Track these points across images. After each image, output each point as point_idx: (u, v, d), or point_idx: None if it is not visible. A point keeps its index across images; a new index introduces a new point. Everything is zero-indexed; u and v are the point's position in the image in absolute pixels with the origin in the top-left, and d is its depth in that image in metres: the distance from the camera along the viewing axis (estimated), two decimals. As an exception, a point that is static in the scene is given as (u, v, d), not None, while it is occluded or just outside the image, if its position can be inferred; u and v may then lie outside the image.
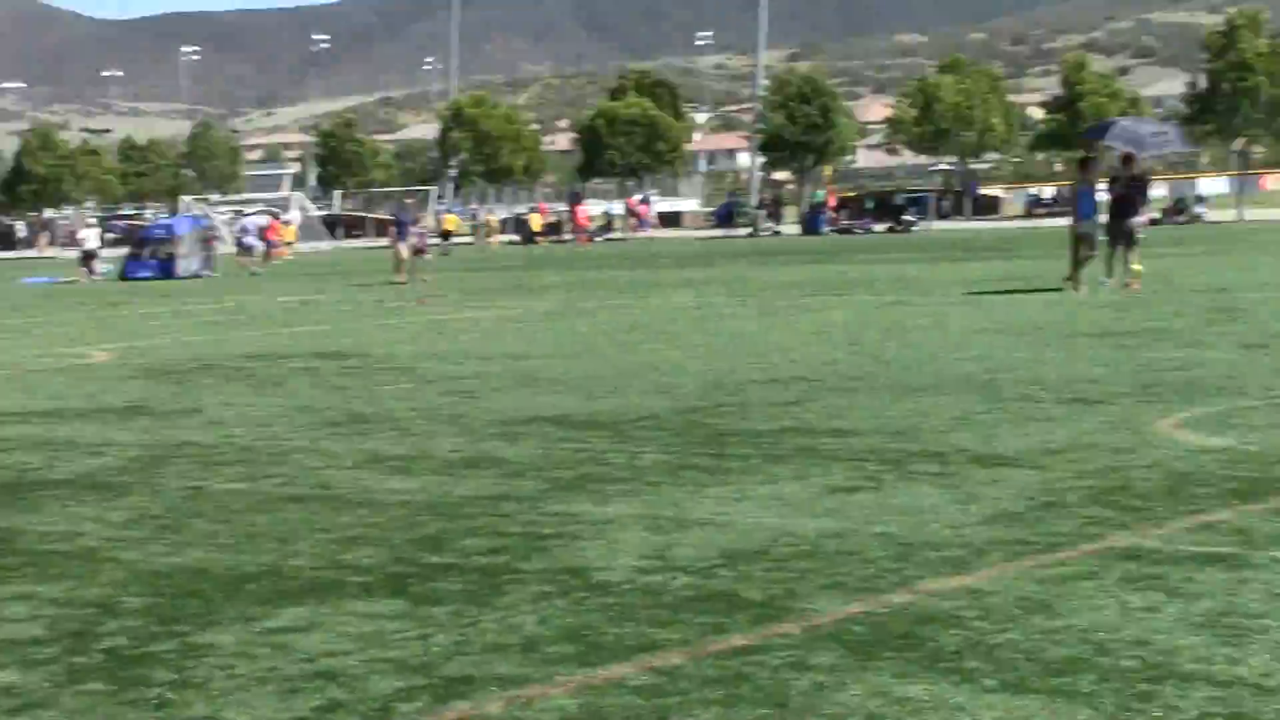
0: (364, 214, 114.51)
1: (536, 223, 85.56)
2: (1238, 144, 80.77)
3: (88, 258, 59.06)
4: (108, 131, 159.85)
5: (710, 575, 8.10)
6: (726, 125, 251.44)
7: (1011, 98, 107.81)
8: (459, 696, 6.31)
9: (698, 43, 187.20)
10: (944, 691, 6.06)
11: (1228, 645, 6.43)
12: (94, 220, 78.07)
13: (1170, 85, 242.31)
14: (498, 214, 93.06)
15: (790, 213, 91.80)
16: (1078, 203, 29.51)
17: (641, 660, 6.67)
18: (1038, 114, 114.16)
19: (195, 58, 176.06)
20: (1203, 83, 77.71)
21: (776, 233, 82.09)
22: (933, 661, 6.44)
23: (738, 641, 6.88)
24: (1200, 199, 76.93)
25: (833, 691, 6.14)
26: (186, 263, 55.92)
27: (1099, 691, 5.95)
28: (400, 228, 45.19)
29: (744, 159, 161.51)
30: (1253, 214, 72.97)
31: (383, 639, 7.20)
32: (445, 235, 76.03)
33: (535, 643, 7.02)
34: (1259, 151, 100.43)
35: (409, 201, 52.11)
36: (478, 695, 6.32)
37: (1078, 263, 28.26)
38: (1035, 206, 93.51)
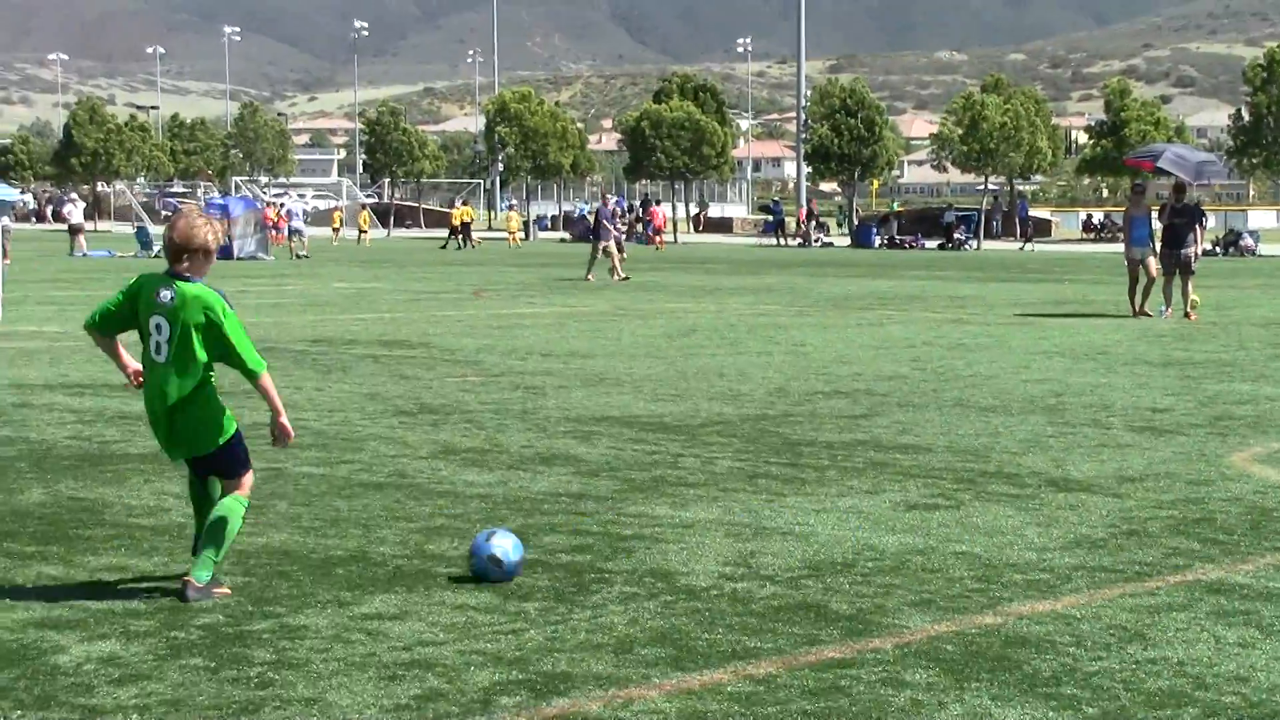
0: (414, 204, 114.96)
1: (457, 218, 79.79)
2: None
3: (74, 232, 62.59)
4: (155, 108, 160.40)
5: (797, 585, 8.13)
6: (769, 133, 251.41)
7: (1056, 120, 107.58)
8: (557, 693, 6.36)
9: (737, 49, 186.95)
10: (1045, 717, 6.08)
11: (1329, 686, 6.44)
12: (75, 196, 79.41)
13: (1211, 116, 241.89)
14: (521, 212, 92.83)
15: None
16: (1130, 230, 29.42)
17: (736, 667, 6.71)
18: (1082, 138, 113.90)
19: (236, 38, 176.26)
20: (1246, 114, 77.40)
21: (828, 244, 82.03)
22: (1030, 686, 6.46)
23: (831, 654, 6.92)
24: (1253, 232, 76.64)
25: (931, 710, 6.17)
26: (243, 244, 56.15)
27: (1203, 725, 5.96)
28: (599, 225, 42.27)
29: (790, 168, 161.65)
30: (1305, 249, 72.67)
31: (475, 631, 7.25)
32: (464, 229, 74.97)
33: (628, 644, 7.06)
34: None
35: (609, 197, 48.14)
36: (576, 693, 6.36)
37: (1143, 289, 28.25)
38: (1087, 230, 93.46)
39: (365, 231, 77.28)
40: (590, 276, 40.46)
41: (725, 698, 6.31)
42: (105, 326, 8.05)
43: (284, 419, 8.26)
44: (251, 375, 8.13)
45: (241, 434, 8.36)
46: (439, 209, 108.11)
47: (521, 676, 6.57)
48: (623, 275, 40.74)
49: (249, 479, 8.30)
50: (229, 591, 7.95)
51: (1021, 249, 75.38)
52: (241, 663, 6.74)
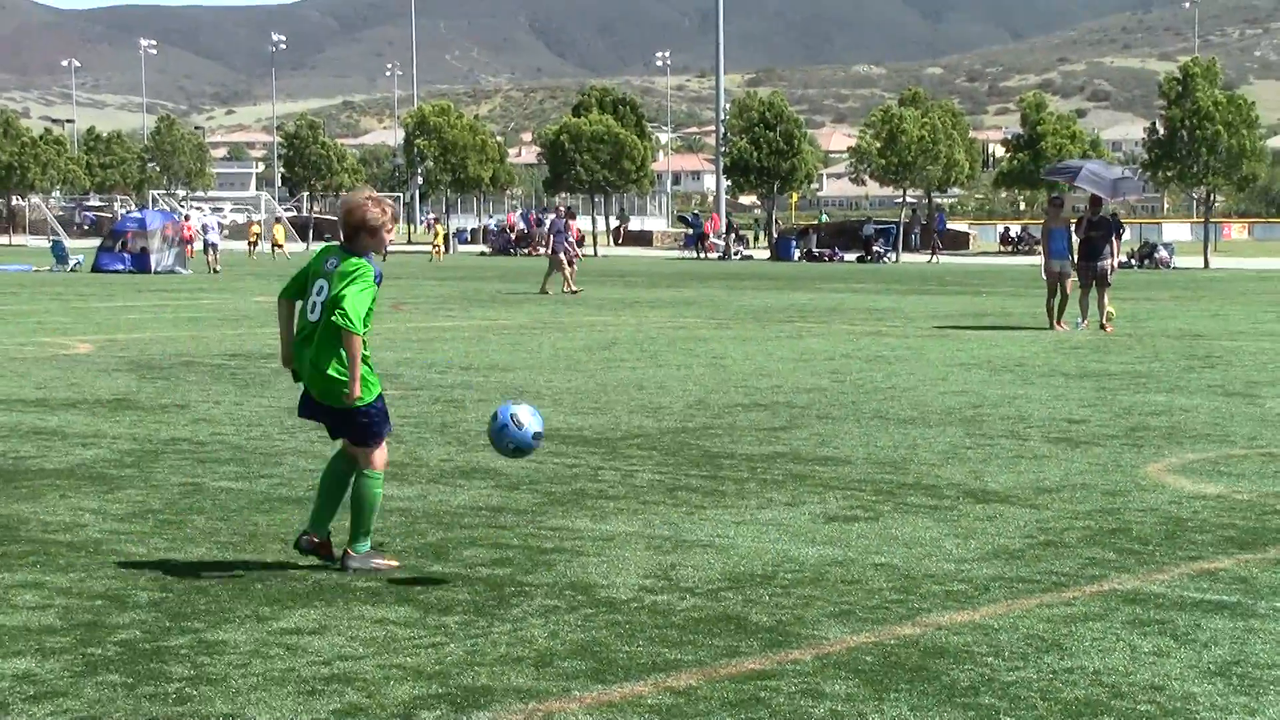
0: (334, 217, 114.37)
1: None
2: (1199, 192, 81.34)
3: None
4: (70, 121, 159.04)
5: (717, 598, 8.15)
6: (689, 147, 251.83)
7: (973, 134, 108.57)
8: (478, 707, 6.35)
9: (656, 63, 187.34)
10: (963, 725, 6.12)
11: (1243, 695, 6.51)
12: None
13: (1126, 130, 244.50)
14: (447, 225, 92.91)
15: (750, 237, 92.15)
16: (1049, 243, 29.69)
17: (656, 680, 6.72)
18: (999, 151, 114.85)
19: (153, 51, 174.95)
20: (1161, 129, 78.24)
21: (748, 256, 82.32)
22: (949, 696, 6.50)
23: (751, 665, 6.94)
24: (1168, 245, 77.51)
25: (851, 720, 6.19)
26: (160, 257, 55.73)
27: (1119, 733, 6.02)
28: (556, 236, 41.93)
29: (709, 181, 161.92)
30: (1218, 261, 73.58)
31: (395, 645, 7.23)
32: None
33: (548, 657, 7.06)
34: (1220, 200, 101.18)
35: (562, 209, 47.13)
36: (496, 706, 6.35)
37: (1060, 303, 28.52)
38: (1005, 242, 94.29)
39: (280, 245, 76.59)
40: (549, 290, 40.51)
41: (646, 710, 6.31)
42: (289, 291, 8.96)
43: (354, 388, 8.63)
44: (344, 331, 8.57)
45: (381, 408, 8.83)
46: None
47: (441, 690, 6.55)
48: (574, 288, 40.69)
49: (379, 455, 8.88)
50: (395, 563, 8.75)
51: (929, 261, 75.96)
52: (159, 678, 6.69)
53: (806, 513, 10.49)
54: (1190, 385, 18.77)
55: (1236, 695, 6.50)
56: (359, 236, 8.77)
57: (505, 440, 8.67)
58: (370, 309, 8.65)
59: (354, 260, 8.67)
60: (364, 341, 8.62)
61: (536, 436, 8.70)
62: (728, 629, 7.54)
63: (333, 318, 8.54)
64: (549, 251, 42.23)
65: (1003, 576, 8.65)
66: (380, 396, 8.83)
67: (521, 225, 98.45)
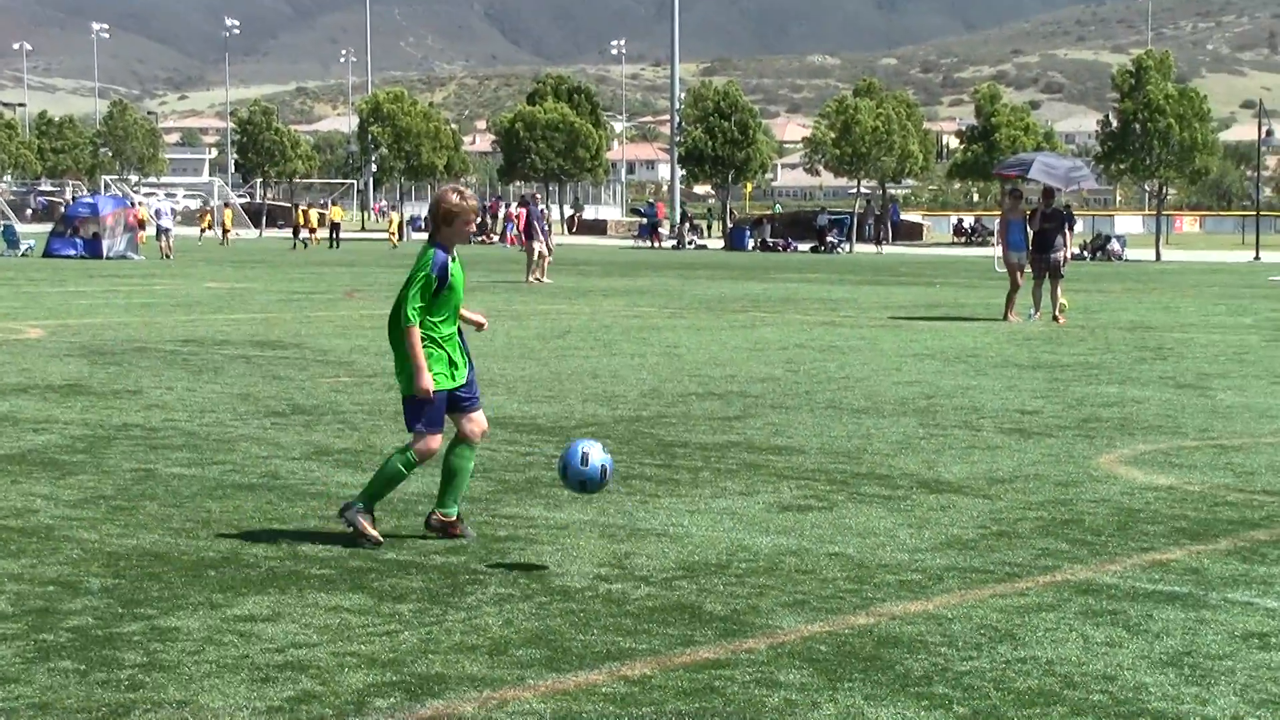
0: (287, 203, 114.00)
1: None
2: (1151, 184, 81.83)
3: None
4: (21, 105, 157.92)
5: (671, 587, 8.16)
6: (643, 136, 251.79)
7: (927, 125, 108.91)
8: (432, 695, 6.33)
9: (611, 51, 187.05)
10: (916, 716, 6.14)
11: (1194, 685, 6.55)
12: None
13: (1079, 122, 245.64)
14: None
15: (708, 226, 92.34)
16: (1007, 234, 29.82)
17: (610, 668, 6.72)
18: (953, 142, 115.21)
19: (105, 35, 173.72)
20: (1114, 122, 78.64)
21: (702, 246, 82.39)
22: (902, 685, 6.52)
23: (705, 654, 6.94)
24: (1120, 237, 77.90)
25: (805, 710, 6.20)
26: (112, 243, 55.42)
27: (1072, 723, 6.05)
28: (530, 225, 41.87)
29: (664, 171, 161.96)
30: (1169, 254, 73.98)
31: (349, 633, 7.21)
32: (334, 228, 74.82)
33: (502, 645, 7.05)
34: (1172, 193, 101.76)
35: (537, 195, 46.84)
36: (450, 695, 6.34)
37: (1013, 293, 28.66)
38: (958, 234, 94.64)
39: (228, 231, 76.02)
40: (530, 279, 40.44)
41: (600, 698, 6.31)
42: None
43: (422, 380, 8.99)
44: (399, 325, 9.06)
45: (429, 402, 9.06)
46: (319, 209, 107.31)
47: (395, 678, 6.54)
48: (543, 280, 40.60)
49: (423, 444, 9.16)
50: (380, 541, 9.01)
51: (876, 251, 76.23)
52: (111, 665, 6.65)
53: (761, 502, 10.51)
54: (1142, 377, 18.87)
55: (1188, 685, 6.54)
56: (439, 228, 9.18)
57: (574, 475, 8.88)
58: (422, 295, 8.98)
59: (423, 251, 9.16)
60: (435, 326, 9.05)
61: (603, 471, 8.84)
62: (682, 618, 7.55)
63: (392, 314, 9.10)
64: (526, 241, 42.18)
65: (956, 566, 8.68)
66: (438, 394, 9.10)
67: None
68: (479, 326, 9.69)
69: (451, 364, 9.17)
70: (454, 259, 9.20)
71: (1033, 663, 6.85)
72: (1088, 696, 6.38)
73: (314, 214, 76.26)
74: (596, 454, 8.88)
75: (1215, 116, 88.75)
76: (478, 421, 9.39)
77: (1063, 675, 6.67)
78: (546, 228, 42.62)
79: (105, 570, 8.34)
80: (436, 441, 9.18)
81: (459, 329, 9.31)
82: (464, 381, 9.26)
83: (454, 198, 9.18)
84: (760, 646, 7.08)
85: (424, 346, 9.02)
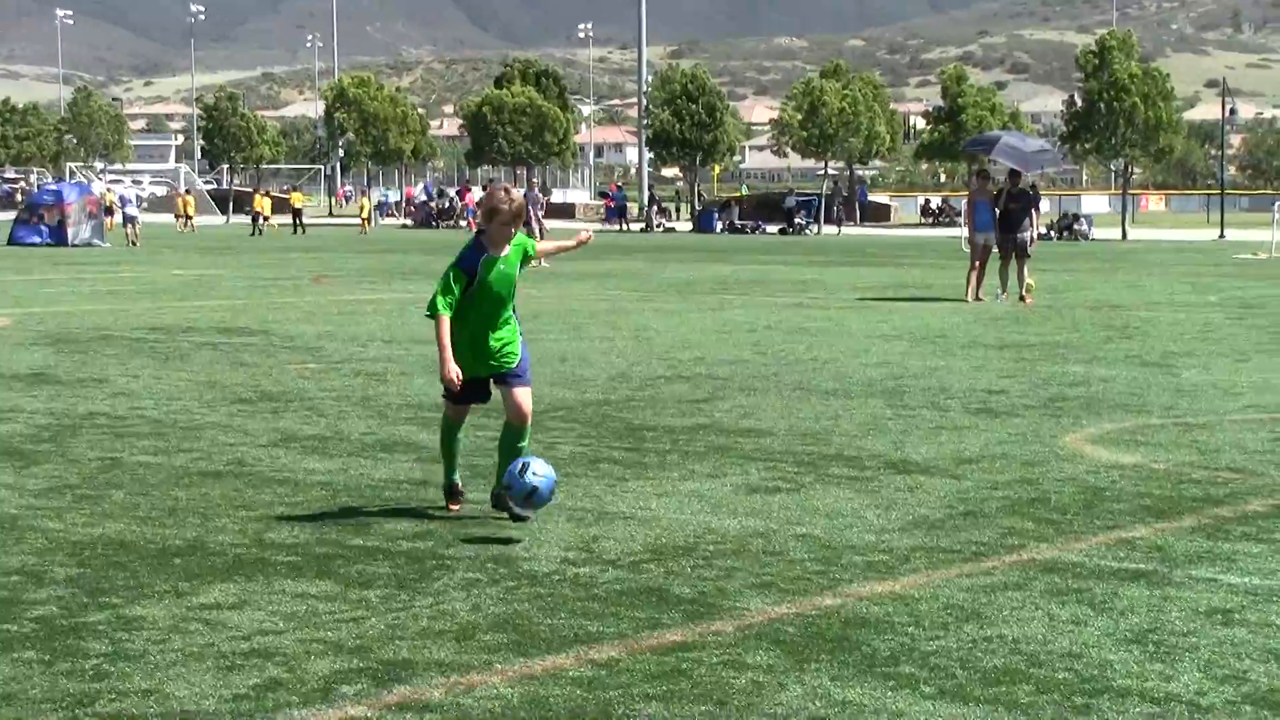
0: (254, 190, 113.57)
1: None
2: (1117, 164, 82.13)
3: None
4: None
5: (639, 570, 8.16)
6: (611, 119, 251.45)
7: (894, 106, 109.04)
8: (399, 681, 6.33)
9: (579, 34, 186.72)
10: (883, 696, 6.15)
11: (1159, 662, 6.58)
12: None
13: (1046, 102, 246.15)
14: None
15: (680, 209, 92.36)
16: (974, 214, 29.86)
17: (578, 652, 6.72)
18: (920, 123, 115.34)
19: (70, 22, 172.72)
20: (1080, 101, 78.87)
21: (670, 229, 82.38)
22: (869, 666, 6.54)
23: (672, 637, 6.95)
24: (1086, 217, 78.14)
25: (772, 692, 6.21)
26: (78, 230, 55.17)
27: (1037, 703, 6.06)
28: (532, 208, 41.61)
29: (632, 154, 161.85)
30: (1135, 233, 74.22)
31: (316, 619, 7.20)
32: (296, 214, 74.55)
33: (470, 630, 7.05)
34: (1137, 172, 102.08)
35: (534, 182, 46.95)
36: (417, 680, 6.34)
37: (978, 275, 28.67)
38: (925, 214, 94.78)
39: (190, 218, 75.45)
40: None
41: (567, 682, 6.31)
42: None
43: (445, 369, 9.22)
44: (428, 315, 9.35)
45: (448, 382, 9.27)
46: (280, 195, 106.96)
47: (362, 665, 6.53)
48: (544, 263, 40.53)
49: (449, 409, 9.66)
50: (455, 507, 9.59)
51: (836, 233, 76.35)
52: (76, 655, 6.63)
53: (728, 484, 10.52)
54: (1108, 356, 18.93)
55: (1152, 663, 6.57)
56: (487, 223, 9.35)
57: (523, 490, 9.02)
58: (450, 288, 9.20)
59: (467, 243, 9.42)
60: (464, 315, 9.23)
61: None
62: (649, 601, 7.55)
63: None
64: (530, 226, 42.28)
65: (923, 546, 8.70)
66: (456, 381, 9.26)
67: (423, 198, 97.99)
68: (580, 243, 10.10)
69: (474, 355, 9.34)
70: (499, 257, 9.30)
71: (998, 641, 6.87)
72: (1053, 674, 6.41)
73: (266, 201, 75.62)
74: (539, 469, 9.03)
75: (1179, 96, 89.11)
76: (513, 400, 9.47)
77: (1028, 654, 6.69)
78: (541, 213, 42.93)
79: (70, 559, 8.31)
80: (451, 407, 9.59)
81: (507, 319, 9.44)
82: (486, 374, 9.45)
83: (500, 195, 9.33)
84: (727, 628, 7.09)
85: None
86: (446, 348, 9.17)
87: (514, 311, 9.53)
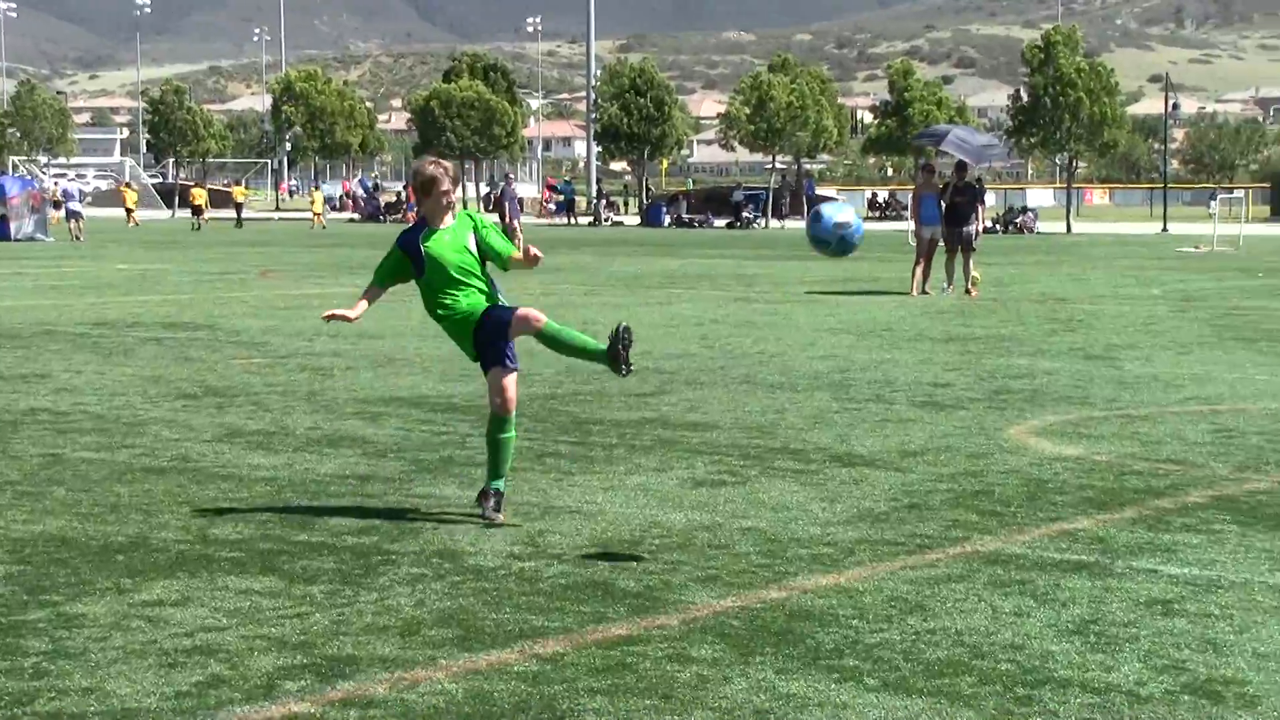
0: (200, 184, 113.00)
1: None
2: (1062, 158, 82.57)
3: None
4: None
5: (584, 564, 8.15)
6: (559, 113, 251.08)
7: (841, 100, 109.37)
8: (342, 677, 6.30)
9: (527, 28, 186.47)
10: (827, 689, 6.17)
11: (1099, 653, 6.61)
12: None
13: (992, 96, 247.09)
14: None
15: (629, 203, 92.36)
16: (920, 208, 29.97)
17: (523, 647, 6.71)
18: (867, 117, 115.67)
19: (12, 14, 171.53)
20: (1025, 96, 79.30)
21: (619, 223, 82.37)
22: (813, 658, 6.55)
23: (618, 631, 6.94)
24: (1031, 210, 78.52)
25: (717, 685, 6.22)
26: (20, 224, 54.80)
27: (980, 694, 6.09)
28: (510, 204, 41.33)
29: (580, 148, 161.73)
30: (1080, 226, 74.63)
31: (259, 615, 7.17)
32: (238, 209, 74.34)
33: (414, 625, 7.03)
34: (1082, 166, 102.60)
35: (510, 176, 46.22)
36: (361, 676, 6.31)
37: (924, 267, 28.78)
38: (873, 208, 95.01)
39: (132, 210, 74.87)
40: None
41: (512, 677, 6.30)
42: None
43: (331, 310, 9.58)
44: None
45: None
46: (222, 189, 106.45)
47: (306, 661, 6.50)
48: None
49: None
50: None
51: (780, 226, 76.42)
52: (15, 653, 6.58)
53: (674, 478, 10.52)
54: (1052, 348, 19.02)
55: (1093, 653, 6.60)
56: (420, 201, 9.29)
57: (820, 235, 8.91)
58: (386, 266, 9.42)
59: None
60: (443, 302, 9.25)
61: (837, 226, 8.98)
62: (595, 595, 7.55)
63: None
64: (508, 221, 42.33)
65: (867, 539, 8.73)
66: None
67: (360, 193, 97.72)
68: (530, 262, 9.38)
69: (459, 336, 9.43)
70: (438, 230, 9.19)
71: (942, 633, 6.89)
72: (995, 666, 6.44)
73: (203, 194, 75.05)
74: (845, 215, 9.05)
75: (1124, 90, 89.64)
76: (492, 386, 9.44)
77: (971, 645, 6.72)
78: (517, 209, 42.87)
79: (10, 557, 8.25)
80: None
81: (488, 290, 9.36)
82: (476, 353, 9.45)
83: (430, 167, 9.20)
84: (672, 622, 7.09)
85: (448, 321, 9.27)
86: (354, 303, 9.44)
87: (492, 287, 9.37)
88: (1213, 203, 63.30)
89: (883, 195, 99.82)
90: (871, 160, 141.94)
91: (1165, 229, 69.60)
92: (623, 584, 7.75)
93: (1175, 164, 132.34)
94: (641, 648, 6.69)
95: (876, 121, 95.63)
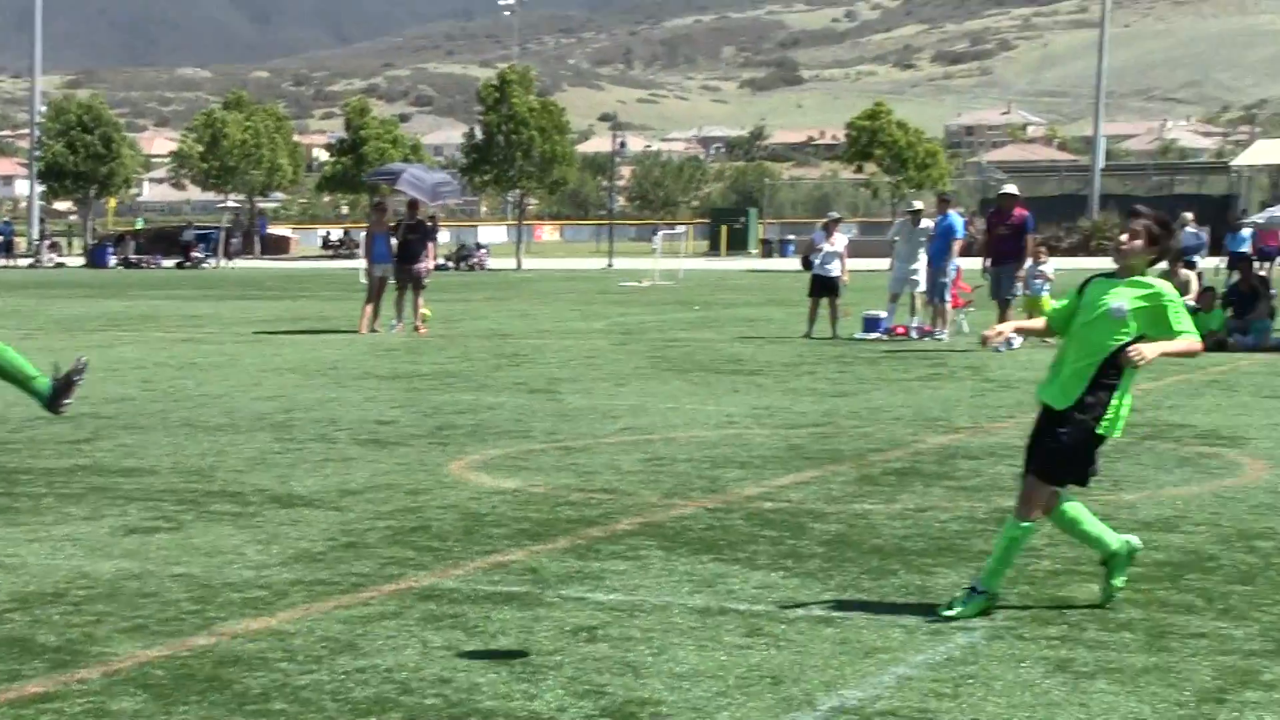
0: None
1: None
2: (514, 195, 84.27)
3: None
4: None
5: (2, 620, 7.81)
6: (1, 150, 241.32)
7: (297, 138, 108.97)
8: None
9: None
10: (251, 733, 6.08)
11: (524, 682, 6.72)
12: None
13: (447, 134, 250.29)
14: None
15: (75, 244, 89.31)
16: (373, 247, 30.03)
17: (-71, 711, 6.38)
18: (323, 155, 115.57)
19: None
20: (480, 134, 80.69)
21: (61, 264, 79.55)
22: (239, 704, 6.45)
23: (33, 689, 6.68)
24: (483, 247, 79.76)
25: (137, 737, 6.05)
26: None
27: (404, 729, 6.11)
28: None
29: (22, 187, 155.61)
30: (530, 263, 76.23)
31: None
32: None
33: None
34: (533, 203, 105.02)
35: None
36: None
37: (374, 305, 28.83)
38: (327, 246, 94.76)
39: None
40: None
41: (-84, 744, 5.99)
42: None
43: None
44: None
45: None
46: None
47: None
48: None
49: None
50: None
51: (230, 265, 75.52)
52: None
53: (106, 526, 10.21)
54: (497, 383, 19.33)
55: (519, 682, 6.71)
56: None
57: None
58: None
59: None
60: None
61: None
62: (11, 652, 7.23)
63: None
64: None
65: (302, 580, 8.66)
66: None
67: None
68: None
69: None
70: None
71: (371, 671, 6.89)
72: (423, 700, 6.47)
73: None
74: None
75: (575, 129, 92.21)
76: None
77: (400, 681, 6.74)
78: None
79: None
80: None
81: None
82: None
83: None
84: (94, 675, 6.86)
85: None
86: None
87: None
88: (656, 238, 65.61)
89: (337, 234, 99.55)
90: (327, 198, 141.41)
91: (611, 264, 71.70)
92: (42, 639, 7.46)
93: (622, 200, 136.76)
94: (58, 704, 6.45)
95: (332, 159, 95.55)
